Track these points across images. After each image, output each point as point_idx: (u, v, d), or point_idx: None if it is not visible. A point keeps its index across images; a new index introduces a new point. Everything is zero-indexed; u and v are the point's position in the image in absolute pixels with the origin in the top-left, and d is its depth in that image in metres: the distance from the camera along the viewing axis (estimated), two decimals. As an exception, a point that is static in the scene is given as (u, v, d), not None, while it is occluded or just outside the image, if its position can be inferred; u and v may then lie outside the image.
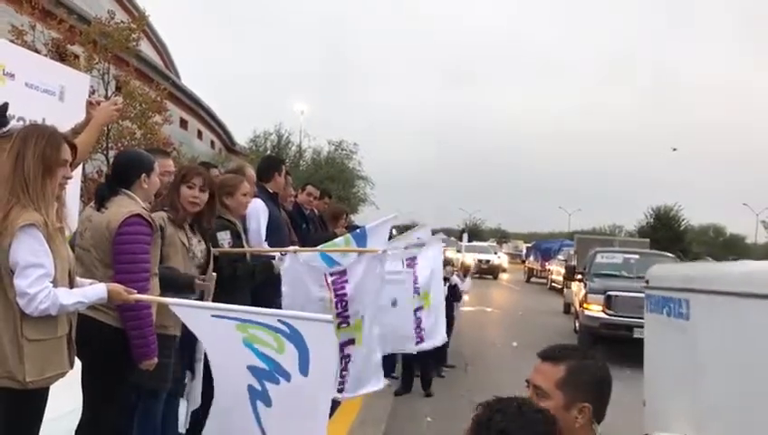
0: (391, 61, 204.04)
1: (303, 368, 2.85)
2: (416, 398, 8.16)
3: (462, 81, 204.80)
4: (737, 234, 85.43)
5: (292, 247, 4.80)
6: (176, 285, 3.76)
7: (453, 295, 9.91)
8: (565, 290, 19.77)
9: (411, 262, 6.17)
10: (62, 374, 2.96)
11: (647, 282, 4.10)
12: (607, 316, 11.66)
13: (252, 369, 2.95)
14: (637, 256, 14.06)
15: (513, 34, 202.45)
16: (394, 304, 5.28)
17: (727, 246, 78.61)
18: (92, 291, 3.02)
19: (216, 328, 2.98)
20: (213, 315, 2.99)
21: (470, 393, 8.66)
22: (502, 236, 76.59)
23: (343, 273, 4.41)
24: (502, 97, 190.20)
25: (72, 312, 2.98)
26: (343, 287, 4.37)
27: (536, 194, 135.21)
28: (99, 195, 3.58)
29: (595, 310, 11.89)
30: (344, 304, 4.37)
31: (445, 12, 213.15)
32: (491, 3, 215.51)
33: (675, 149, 71.60)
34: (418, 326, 6.25)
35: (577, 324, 13.72)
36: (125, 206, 3.49)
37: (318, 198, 7.52)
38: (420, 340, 6.32)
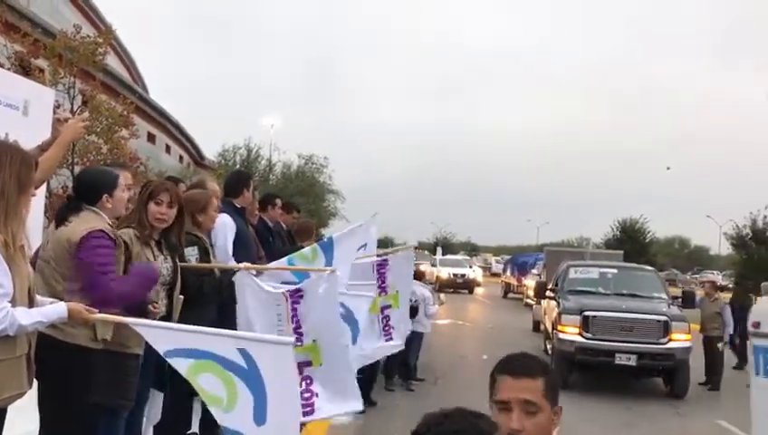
0: (369, 76, 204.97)
1: (260, 416, 2.73)
2: (385, 414, 8.12)
3: (439, 96, 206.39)
4: (701, 245, 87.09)
5: (244, 264, 4.69)
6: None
7: (412, 310, 9.83)
8: (534, 307, 18.30)
9: (383, 264, 6.04)
10: (21, 395, 2.90)
11: (757, 325, 2.95)
12: (584, 340, 10.27)
13: None
14: (614, 271, 12.66)
15: (489, 51, 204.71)
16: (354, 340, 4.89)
17: (692, 258, 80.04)
18: (52, 310, 2.97)
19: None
20: (166, 353, 2.87)
21: (441, 407, 8.66)
22: (472, 250, 77.07)
23: (299, 289, 4.28)
24: (477, 112, 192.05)
25: (32, 331, 2.93)
26: (298, 302, 4.24)
27: (505, 207, 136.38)
28: (59, 215, 3.57)
29: (570, 332, 10.47)
30: (297, 320, 4.23)
31: (426, 26, 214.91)
32: (471, 21, 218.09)
33: (668, 168, 70.36)
34: (387, 324, 6.08)
35: (548, 346, 12.49)
36: (88, 222, 3.48)
37: (287, 211, 7.51)
38: (389, 337, 6.12)
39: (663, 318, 10.33)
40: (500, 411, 1.98)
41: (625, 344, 10.12)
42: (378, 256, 6.19)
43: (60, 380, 3.37)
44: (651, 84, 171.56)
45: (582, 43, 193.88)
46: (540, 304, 15.88)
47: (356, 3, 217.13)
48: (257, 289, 4.41)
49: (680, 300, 11.91)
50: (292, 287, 4.33)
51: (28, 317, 2.83)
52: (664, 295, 11.70)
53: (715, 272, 53.82)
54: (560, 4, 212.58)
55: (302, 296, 4.24)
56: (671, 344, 10.10)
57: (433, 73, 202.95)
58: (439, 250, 35.73)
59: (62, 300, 3.20)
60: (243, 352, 2.76)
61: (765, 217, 23.06)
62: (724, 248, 55.62)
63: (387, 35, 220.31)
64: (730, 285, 21.45)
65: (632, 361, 10.02)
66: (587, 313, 10.48)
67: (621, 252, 24.10)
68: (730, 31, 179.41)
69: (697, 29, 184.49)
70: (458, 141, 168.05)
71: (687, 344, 10.32)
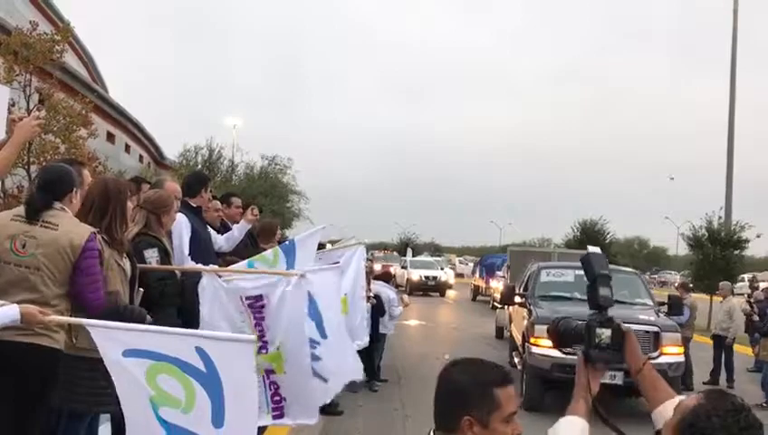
0: (335, 79, 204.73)
1: (218, 420, 2.70)
2: (348, 414, 8.11)
3: (407, 99, 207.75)
4: (660, 246, 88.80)
5: (211, 266, 4.61)
6: (131, 318, 3.60)
7: (377, 310, 9.83)
8: (498, 312, 16.73)
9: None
10: None
11: None
12: (562, 355, 8.35)
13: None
14: None
15: (457, 53, 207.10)
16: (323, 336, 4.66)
17: (650, 259, 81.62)
18: (3, 312, 2.90)
19: (125, 371, 2.80)
20: (124, 352, 2.78)
21: (404, 408, 8.68)
22: (435, 250, 77.22)
23: (259, 297, 4.18)
24: (441, 114, 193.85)
25: None
26: (260, 311, 4.15)
27: (468, 208, 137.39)
28: (32, 207, 3.49)
29: (545, 346, 8.77)
30: (261, 329, 4.15)
31: (394, 28, 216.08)
32: (435, 25, 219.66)
33: (672, 178, 70.94)
34: None
35: (517, 361, 10.64)
36: (77, 223, 3.51)
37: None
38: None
39: (653, 328, 8.95)
40: (505, 423, 1.93)
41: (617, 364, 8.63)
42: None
43: (35, 384, 3.34)
44: (611, 86, 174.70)
45: (547, 47, 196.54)
46: (504, 308, 14.55)
47: (324, 3, 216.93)
48: (221, 292, 4.33)
49: (667, 306, 10.29)
50: (252, 295, 4.22)
51: None
52: (649, 301, 10.41)
53: (672, 272, 54.90)
54: (525, 7, 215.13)
55: (263, 306, 4.15)
56: (662, 359, 8.77)
57: (397, 75, 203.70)
58: (410, 251, 34.67)
59: (49, 305, 3.23)
60: (200, 351, 2.71)
61: (720, 217, 23.57)
62: (681, 249, 56.96)
63: (354, 37, 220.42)
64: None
65: (618, 379, 8.00)
66: None
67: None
68: (692, 34, 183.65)
69: (659, 31, 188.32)
70: (421, 143, 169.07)
71: (680, 359, 9.20)
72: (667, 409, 1.99)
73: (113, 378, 2.83)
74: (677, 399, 2.05)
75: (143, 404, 2.76)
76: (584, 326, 2.26)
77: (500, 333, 16.05)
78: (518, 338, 10.87)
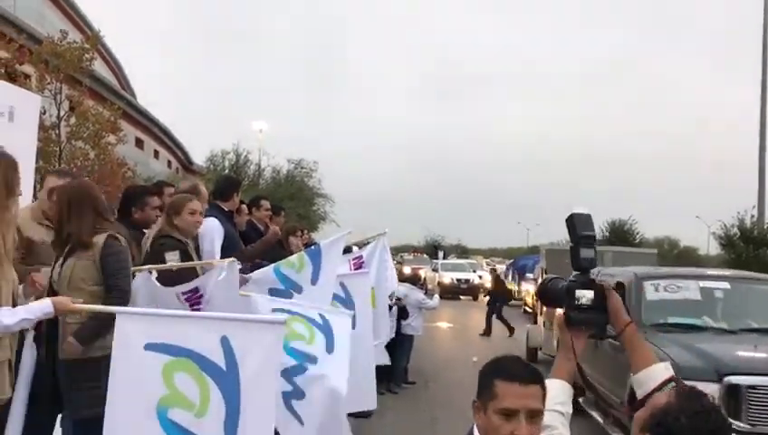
0: (362, 77, 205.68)
1: (231, 427, 2.64)
2: (378, 415, 8.08)
3: (435, 98, 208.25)
4: (690, 246, 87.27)
5: (219, 259, 4.48)
6: None
7: (400, 313, 9.72)
8: (529, 327, 13.63)
9: (357, 260, 6.05)
10: (1, 401, 2.87)
11: None
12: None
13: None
14: (725, 285, 7.13)
15: (488, 52, 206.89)
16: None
17: (681, 258, 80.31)
18: (36, 307, 2.92)
19: (140, 365, 2.71)
20: (146, 345, 2.70)
21: (432, 410, 8.65)
22: (462, 252, 76.78)
23: (195, 290, 3.99)
24: (466, 115, 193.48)
25: (14, 334, 2.89)
26: (198, 303, 3.97)
27: (495, 210, 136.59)
28: None
29: None
30: None
31: (421, 27, 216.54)
32: (465, 24, 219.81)
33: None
34: None
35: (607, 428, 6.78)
36: None
37: (275, 213, 7.50)
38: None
39: None
40: (501, 417, 1.96)
41: None
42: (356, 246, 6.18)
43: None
44: (640, 86, 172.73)
45: (574, 48, 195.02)
46: (536, 323, 12.42)
47: (350, 5, 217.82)
48: (157, 291, 4.06)
49: None
50: (187, 288, 4.03)
51: (12, 316, 2.79)
52: None
53: (704, 272, 53.69)
54: (554, 8, 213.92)
55: (201, 296, 4.00)
56: None
57: (423, 76, 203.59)
58: (440, 254, 33.73)
59: None
60: (225, 343, 2.65)
61: (753, 216, 23.10)
62: (712, 248, 56.04)
63: (381, 38, 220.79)
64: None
65: None
66: (735, 379, 5.25)
67: (655, 251, 18.11)
68: (725, 34, 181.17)
69: (692, 31, 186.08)
70: (448, 144, 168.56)
71: None
72: (642, 378, 2.09)
73: (119, 368, 2.71)
74: (658, 365, 2.11)
75: (145, 403, 2.69)
76: (565, 288, 2.23)
77: (532, 355, 12.45)
78: (605, 391, 6.57)
